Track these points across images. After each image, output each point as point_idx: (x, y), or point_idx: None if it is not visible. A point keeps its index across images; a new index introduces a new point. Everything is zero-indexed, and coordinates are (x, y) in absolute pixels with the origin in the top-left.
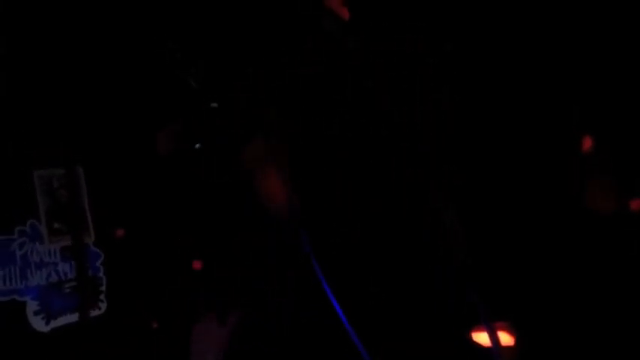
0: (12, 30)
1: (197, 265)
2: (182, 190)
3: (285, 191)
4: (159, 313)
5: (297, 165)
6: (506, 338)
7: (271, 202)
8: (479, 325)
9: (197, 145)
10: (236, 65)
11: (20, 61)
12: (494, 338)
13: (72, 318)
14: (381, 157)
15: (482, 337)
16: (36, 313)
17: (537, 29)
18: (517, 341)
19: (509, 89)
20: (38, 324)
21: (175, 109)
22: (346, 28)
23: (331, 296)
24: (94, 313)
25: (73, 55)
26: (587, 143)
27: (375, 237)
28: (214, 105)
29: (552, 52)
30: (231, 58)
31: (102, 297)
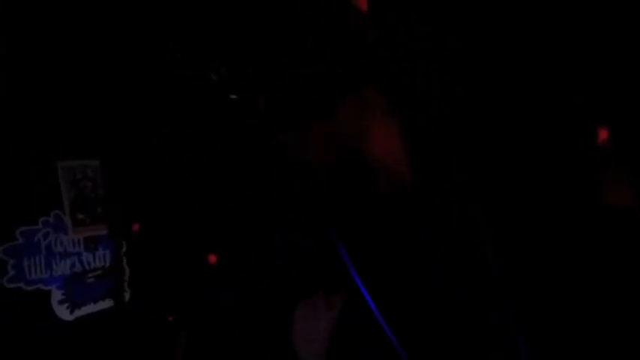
0: (22, 29)
1: (212, 258)
2: (201, 182)
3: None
4: (175, 306)
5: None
6: None
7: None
8: None
9: (233, 96)
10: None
11: (48, 51)
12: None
13: (95, 307)
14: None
15: None
16: (60, 302)
17: (550, 21)
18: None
19: (520, 82)
20: (63, 313)
21: (194, 101)
22: (366, 20)
23: (365, 293)
24: (118, 302)
25: (92, 48)
26: (603, 135)
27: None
28: (234, 97)
29: (564, 44)
30: (250, 52)
31: (125, 287)
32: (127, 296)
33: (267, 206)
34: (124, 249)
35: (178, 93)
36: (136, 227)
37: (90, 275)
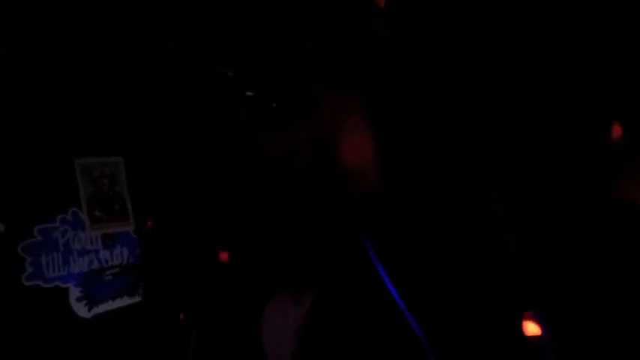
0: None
1: (224, 256)
2: (220, 181)
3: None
4: (186, 304)
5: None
6: (533, 328)
7: (358, 171)
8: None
9: (248, 93)
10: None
11: (60, 47)
12: (544, 328)
13: (114, 304)
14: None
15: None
16: (79, 300)
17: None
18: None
19: (530, 81)
20: (81, 310)
21: (210, 98)
22: (383, 18)
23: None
24: (135, 299)
25: (111, 45)
26: (617, 131)
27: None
28: (250, 94)
29: (573, 40)
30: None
31: (142, 283)
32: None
33: (268, 206)
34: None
35: (181, 91)
36: (150, 224)
37: (108, 272)
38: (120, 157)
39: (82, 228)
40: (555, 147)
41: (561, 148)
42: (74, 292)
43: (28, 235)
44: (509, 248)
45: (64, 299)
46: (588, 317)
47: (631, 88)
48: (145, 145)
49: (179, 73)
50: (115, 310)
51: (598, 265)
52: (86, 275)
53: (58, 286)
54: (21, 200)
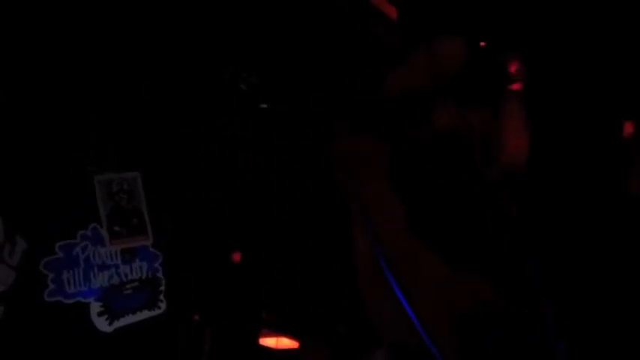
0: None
1: (237, 257)
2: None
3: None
4: (206, 308)
5: None
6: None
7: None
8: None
9: (263, 105)
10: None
11: (70, 69)
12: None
13: (134, 318)
14: None
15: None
16: (100, 314)
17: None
18: None
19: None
20: (102, 324)
21: (225, 111)
22: (393, 28)
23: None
24: (155, 312)
25: (126, 62)
26: (629, 129)
27: None
28: (264, 106)
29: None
30: (282, 63)
31: (161, 297)
32: (163, 307)
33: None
34: (160, 260)
35: (206, 98)
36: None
37: (128, 287)
38: (137, 172)
39: (102, 243)
40: (571, 145)
41: (576, 147)
42: (95, 307)
43: (50, 252)
44: None
45: (86, 314)
46: (603, 317)
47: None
48: (161, 159)
49: (227, 78)
50: (135, 323)
51: (610, 263)
52: (106, 290)
53: (80, 301)
54: (42, 217)
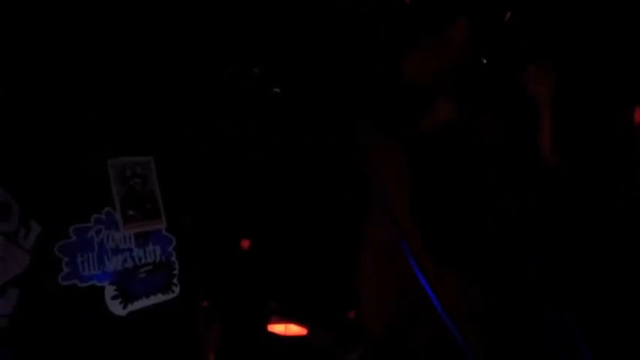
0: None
1: (245, 243)
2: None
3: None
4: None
5: None
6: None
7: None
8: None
9: (276, 90)
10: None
11: (70, 69)
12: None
13: (147, 302)
14: None
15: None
16: (114, 298)
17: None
18: None
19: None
20: (116, 308)
21: (225, 111)
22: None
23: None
24: (169, 296)
25: (126, 62)
26: (639, 116)
27: None
28: (277, 90)
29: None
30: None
31: (175, 281)
32: (177, 290)
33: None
34: (174, 244)
35: (206, 98)
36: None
37: (141, 270)
38: (151, 157)
39: (116, 227)
40: (580, 145)
41: (589, 147)
42: (109, 291)
43: (64, 236)
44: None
45: (100, 298)
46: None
47: None
48: (175, 144)
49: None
50: (149, 306)
51: (613, 263)
52: (120, 274)
53: (94, 285)
54: (56, 201)
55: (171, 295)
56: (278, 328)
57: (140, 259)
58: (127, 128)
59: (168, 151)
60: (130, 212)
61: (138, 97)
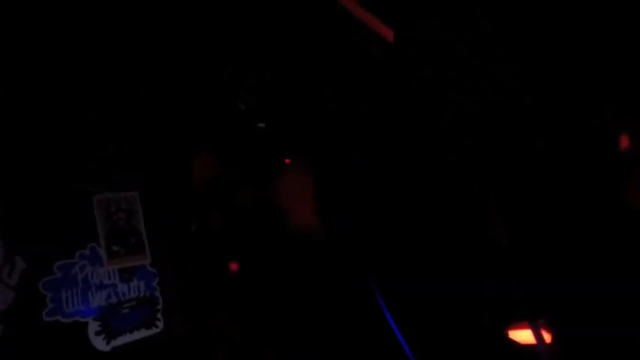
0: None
1: (234, 266)
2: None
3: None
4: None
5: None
6: (545, 336)
7: (302, 228)
8: (519, 322)
9: (261, 125)
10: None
11: (70, 69)
12: (538, 335)
13: (131, 337)
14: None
15: (522, 335)
16: (97, 334)
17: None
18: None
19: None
20: (99, 344)
21: (222, 129)
22: (392, 51)
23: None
24: (152, 331)
25: (126, 62)
26: (625, 142)
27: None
28: (261, 125)
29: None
30: (278, 81)
31: (159, 315)
32: (160, 325)
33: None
34: (157, 279)
35: (206, 98)
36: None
37: (125, 305)
38: (136, 192)
39: (100, 263)
40: (570, 158)
41: (576, 159)
42: (93, 326)
43: (48, 272)
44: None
45: (84, 333)
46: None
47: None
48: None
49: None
50: (132, 342)
51: (604, 268)
52: (104, 309)
53: (78, 320)
54: (41, 238)
55: (154, 330)
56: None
57: (124, 294)
58: (127, 128)
59: (154, 165)
60: (115, 247)
61: (138, 97)
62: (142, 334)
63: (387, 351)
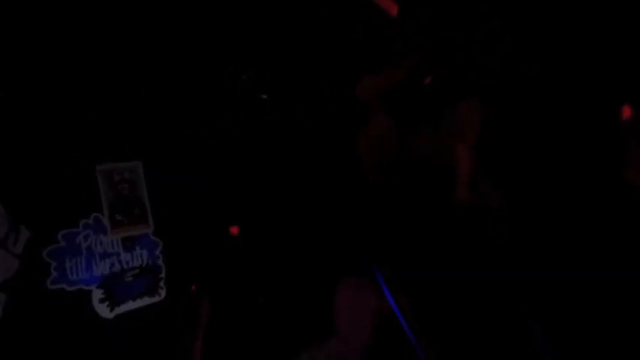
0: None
1: (234, 230)
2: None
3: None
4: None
5: None
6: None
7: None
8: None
9: (264, 96)
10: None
11: (70, 69)
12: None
13: (134, 305)
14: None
15: None
16: (101, 301)
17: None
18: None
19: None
20: (103, 311)
21: (225, 111)
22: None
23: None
24: (155, 299)
25: (126, 62)
26: (627, 112)
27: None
28: (264, 97)
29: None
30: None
31: (161, 284)
32: (163, 294)
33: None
34: (160, 248)
35: (206, 98)
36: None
37: (128, 274)
38: (139, 162)
39: (104, 232)
40: (567, 137)
41: (573, 137)
42: (97, 294)
43: (53, 241)
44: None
45: (87, 301)
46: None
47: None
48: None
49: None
50: (135, 309)
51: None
52: (108, 277)
53: (82, 288)
54: (45, 207)
55: (157, 299)
56: None
57: (127, 263)
58: (115, 140)
59: (155, 164)
60: (118, 217)
61: (138, 97)
62: (144, 301)
63: None
